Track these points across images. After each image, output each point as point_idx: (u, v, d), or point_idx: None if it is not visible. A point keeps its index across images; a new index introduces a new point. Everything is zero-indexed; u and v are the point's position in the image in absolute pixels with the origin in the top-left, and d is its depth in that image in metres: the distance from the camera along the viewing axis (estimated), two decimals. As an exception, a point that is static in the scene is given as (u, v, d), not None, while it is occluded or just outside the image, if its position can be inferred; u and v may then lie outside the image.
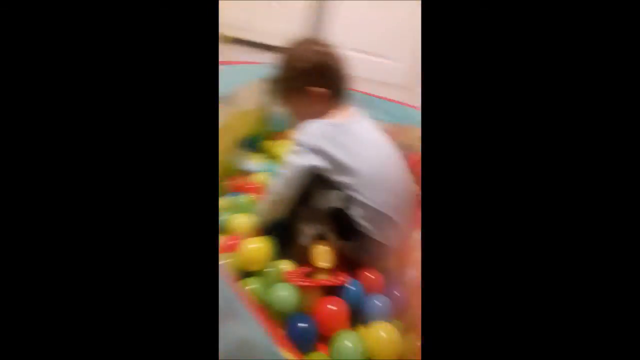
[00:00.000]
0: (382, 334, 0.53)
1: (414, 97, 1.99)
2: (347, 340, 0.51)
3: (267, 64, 0.96)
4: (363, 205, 0.59)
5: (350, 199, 0.60)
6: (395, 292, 0.61)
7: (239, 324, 0.39)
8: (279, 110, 0.85)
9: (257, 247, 0.60)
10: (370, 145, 0.64)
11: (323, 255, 0.61)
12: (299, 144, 0.61)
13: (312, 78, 0.64)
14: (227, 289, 0.41)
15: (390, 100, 1.02)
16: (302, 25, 1.91)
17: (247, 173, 0.91)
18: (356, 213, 0.60)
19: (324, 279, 0.59)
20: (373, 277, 0.62)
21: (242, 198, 0.76)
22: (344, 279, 0.59)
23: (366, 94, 1.01)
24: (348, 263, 0.63)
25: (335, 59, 0.66)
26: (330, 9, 1.89)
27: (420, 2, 0.37)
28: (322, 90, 0.64)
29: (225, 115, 0.84)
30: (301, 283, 0.57)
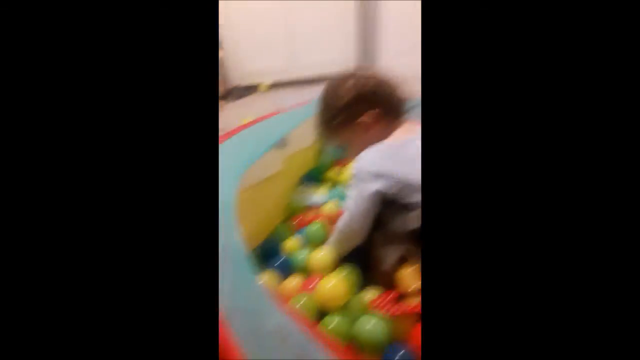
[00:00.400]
0: None
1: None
2: None
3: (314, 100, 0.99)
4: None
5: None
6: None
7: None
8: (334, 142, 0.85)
9: (336, 284, 0.57)
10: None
11: (410, 278, 0.56)
12: (357, 173, 0.61)
13: (356, 109, 0.64)
14: (301, 335, 0.39)
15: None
16: (343, 54, 1.94)
17: (315, 207, 0.91)
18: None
19: (415, 304, 0.53)
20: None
21: (313, 226, 0.75)
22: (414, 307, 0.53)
23: None
24: None
25: (378, 83, 0.66)
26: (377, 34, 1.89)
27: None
28: (369, 116, 0.64)
29: (282, 159, 0.87)
30: (393, 311, 0.52)
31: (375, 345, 0.50)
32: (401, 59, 1.87)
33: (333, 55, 1.93)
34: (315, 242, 0.73)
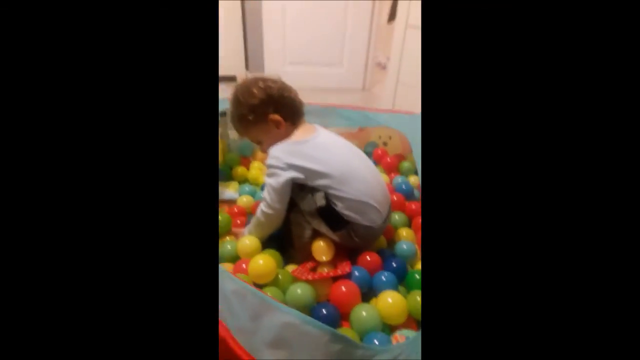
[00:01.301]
0: (390, 300, 0.62)
1: (363, 100, 2.13)
2: (363, 311, 0.61)
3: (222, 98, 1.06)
4: (342, 199, 0.70)
5: (331, 196, 0.71)
6: (393, 264, 0.71)
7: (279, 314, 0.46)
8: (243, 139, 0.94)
9: (264, 262, 0.67)
10: (334, 151, 0.75)
11: (322, 249, 0.71)
12: (272, 167, 0.72)
13: (265, 109, 0.75)
14: (255, 294, 0.49)
15: (345, 107, 1.13)
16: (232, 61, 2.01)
17: (229, 202, 0.98)
18: (339, 206, 0.70)
19: (330, 271, 0.68)
20: (370, 258, 0.72)
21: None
22: (347, 268, 0.69)
23: (324, 105, 1.12)
24: (348, 250, 0.73)
25: (282, 88, 0.77)
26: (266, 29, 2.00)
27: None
28: (276, 117, 0.75)
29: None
30: (308, 277, 0.65)
31: (305, 306, 0.62)
32: (284, 68, 2.09)
33: (221, 62, 2.01)
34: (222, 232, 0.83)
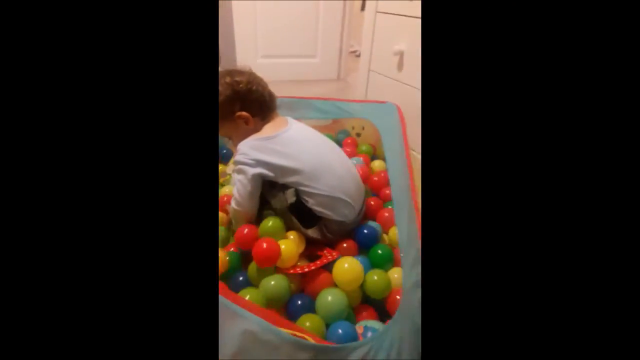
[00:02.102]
0: (346, 265, 0.64)
1: (338, 90, 2.12)
2: (329, 295, 0.61)
3: None
4: (312, 195, 0.69)
5: (301, 193, 0.70)
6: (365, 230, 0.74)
7: (240, 321, 0.45)
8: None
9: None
10: (305, 144, 0.73)
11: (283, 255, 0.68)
12: (239, 163, 0.71)
13: (232, 106, 0.73)
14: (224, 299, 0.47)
15: (317, 98, 1.11)
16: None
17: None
18: (310, 202, 0.69)
19: (319, 260, 0.67)
20: (346, 245, 0.73)
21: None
22: (335, 253, 0.69)
23: (296, 98, 1.10)
24: (321, 243, 0.73)
25: (250, 83, 0.75)
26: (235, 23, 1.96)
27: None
28: (243, 114, 0.73)
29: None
30: (304, 270, 0.65)
31: (280, 299, 0.62)
32: (257, 61, 2.05)
33: None
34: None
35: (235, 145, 0.75)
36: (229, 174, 1.06)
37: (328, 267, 0.67)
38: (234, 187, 0.72)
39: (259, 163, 0.69)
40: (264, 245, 0.63)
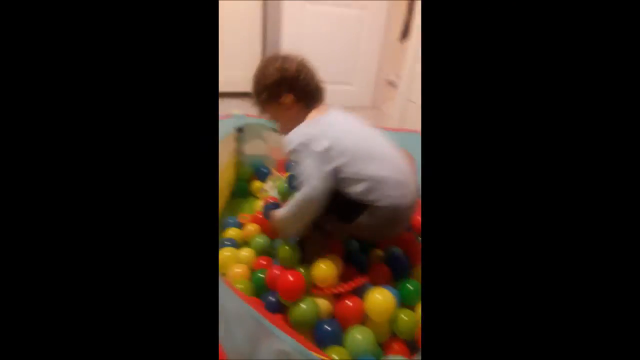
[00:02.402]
0: (379, 297, 0.64)
1: (371, 118, 2.16)
2: (358, 334, 0.61)
3: (237, 115, 1.08)
4: (359, 180, 0.66)
5: (344, 181, 0.67)
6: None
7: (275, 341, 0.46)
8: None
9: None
10: (346, 126, 0.73)
11: (323, 273, 0.68)
12: (297, 151, 0.68)
13: (278, 90, 0.74)
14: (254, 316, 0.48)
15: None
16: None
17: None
18: (356, 190, 0.67)
19: (347, 284, 0.67)
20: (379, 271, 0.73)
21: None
22: (363, 279, 0.68)
23: None
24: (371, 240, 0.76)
25: (299, 71, 0.75)
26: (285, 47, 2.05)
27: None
28: (288, 98, 0.74)
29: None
30: (333, 291, 0.66)
31: (309, 322, 0.62)
32: None
33: (237, 73, 2.08)
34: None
35: (281, 130, 0.77)
36: (266, 190, 1.10)
37: (360, 294, 0.67)
38: (299, 176, 0.68)
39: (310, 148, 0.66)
40: (290, 277, 0.64)
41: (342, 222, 0.70)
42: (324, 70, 2.43)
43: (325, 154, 0.66)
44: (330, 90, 2.43)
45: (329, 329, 0.61)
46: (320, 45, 2.05)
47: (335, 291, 0.65)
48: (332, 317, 0.66)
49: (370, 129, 0.76)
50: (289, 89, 0.73)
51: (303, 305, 0.63)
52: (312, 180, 0.65)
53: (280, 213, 0.71)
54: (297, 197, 0.67)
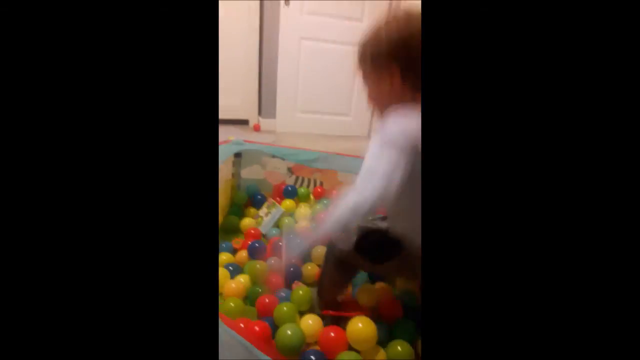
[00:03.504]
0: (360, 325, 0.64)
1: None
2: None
3: (235, 141, 1.12)
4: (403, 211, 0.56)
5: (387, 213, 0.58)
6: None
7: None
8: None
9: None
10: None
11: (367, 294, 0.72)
12: (386, 142, 0.50)
13: (381, 59, 0.56)
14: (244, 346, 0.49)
15: (349, 156, 1.19)
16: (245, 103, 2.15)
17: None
18: (396, 225, 0.58)
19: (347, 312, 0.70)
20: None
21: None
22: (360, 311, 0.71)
23: (331, 153, 1.21)
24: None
25: (413, 38, 0.53)
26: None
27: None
28: (393, 69, 0.55)
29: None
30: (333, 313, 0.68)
31: (294, 349, 0.63)
32: (295, 115, 2.20)
33: (235, 101, 2.17)
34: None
35: (370, 104, 0.62)
36: (261, 217, 1.11)
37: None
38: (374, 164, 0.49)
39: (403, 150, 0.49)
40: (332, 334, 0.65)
41: (370, 261, 0.61)
42: (321, 101, 2.48)
43: (408, 165, 0.49)
44: (328, 121, 2.49)
45: (314, 358, 0.62)
46: (316, 77, 2.14)
47: (333, 314, 0.68)
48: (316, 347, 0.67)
49: None
50: (395, 58, 0.55)
51: (289, 332, 0.64)
52: (379, 183, 0.47)
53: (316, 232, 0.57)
54: (347, 202, 0.49)
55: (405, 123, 0.50)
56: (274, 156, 1.22)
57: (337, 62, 2.10)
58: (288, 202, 1.18)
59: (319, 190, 1.27)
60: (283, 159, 1.22)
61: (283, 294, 0.78)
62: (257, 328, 0.64)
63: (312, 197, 1.26)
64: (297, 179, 1.27)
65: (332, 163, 1.19)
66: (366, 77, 0.60)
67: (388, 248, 0.57)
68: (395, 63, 0.54)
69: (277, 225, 1.10)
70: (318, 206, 1.16)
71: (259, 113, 2.21)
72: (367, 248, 0.59)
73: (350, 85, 2.18)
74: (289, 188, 1.24)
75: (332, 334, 0.65)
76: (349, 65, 2.07)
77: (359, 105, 2.24)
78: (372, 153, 0.50)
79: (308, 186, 1.28)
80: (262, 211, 1.13)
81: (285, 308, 0.70)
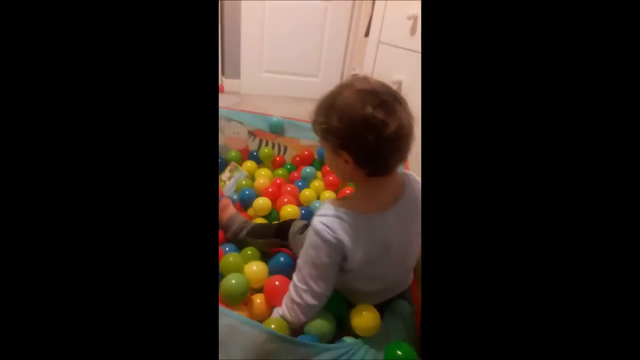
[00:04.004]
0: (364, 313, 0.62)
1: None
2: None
3: None
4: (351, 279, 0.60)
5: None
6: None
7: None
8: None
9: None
10: (387, 233, 0.57)
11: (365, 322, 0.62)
12: (317, 234, 0.55)
13: (333, 140, 0.53)
14: None
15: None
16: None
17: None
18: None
19: None
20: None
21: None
22: None
23: (300, 120, 1.18)
24: None
25: (367, 124, 0.49)
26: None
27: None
28: (344, 155, 0.53)
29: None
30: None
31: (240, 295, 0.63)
32: (261, 75, 2.11)
33: None
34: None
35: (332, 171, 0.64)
36: (224, 181, 1.09)
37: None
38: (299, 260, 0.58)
39: (339, 243, 0.54)
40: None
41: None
42: (288, 61, 2.40)
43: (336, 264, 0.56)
44: (297, 82, 2.42)
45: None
46: (282, 35, 2.05)
47: None
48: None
49: (412, 224, 0.59)
50: (345, 145, 0.52)
51: (232, 280, 0.63)
52: (314, 285, 0.55)
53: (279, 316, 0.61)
54: (294, 299, 0.57)
55: (337, 228, 0.53)
56: (231, 120, 1.17)
57: (305, 20, 2.01)
58: (249, 164, 1.16)
59: (277, 159, 1.21)
60: (241, 123, 1.18)
61: (227, 249, 0.78)
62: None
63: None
64: (260, 141, 1.25)
65: (300, 131, 1.17)
66: (322, 146, 0.57)
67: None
68: (347, 152, 0.52)
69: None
70: (280, 171, 1.14)
71: (223, 73, 2.11)
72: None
73: (319, 45, 2.11)
74: (255, 153, 1.20)
75: (277, 283, 0.65)
76: (317, 23, 2.03)
77: (328, 66, 2.19)
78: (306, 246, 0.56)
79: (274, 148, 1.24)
80: (225, 175, 1.12)
81: (231, 259, 0.70)
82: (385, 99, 0.49)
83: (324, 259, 0.54)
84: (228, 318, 0.47)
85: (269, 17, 1.98)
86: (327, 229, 0.53)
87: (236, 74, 2.11)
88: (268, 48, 2.07)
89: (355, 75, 0.57)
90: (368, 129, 0.48)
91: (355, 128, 0.49)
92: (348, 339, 0.62)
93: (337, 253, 0.54)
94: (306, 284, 0.55)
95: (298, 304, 0.56)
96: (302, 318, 0.56)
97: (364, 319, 0.59)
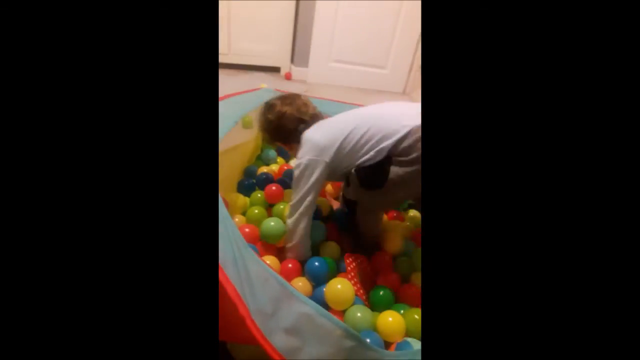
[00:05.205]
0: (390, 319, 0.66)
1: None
2: (358, 312, 0.67)
3: (265, 89, 1.11)
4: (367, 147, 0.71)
5: (355, 145, 0.73)
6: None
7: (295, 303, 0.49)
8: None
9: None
10: (340, 117, 0.80)
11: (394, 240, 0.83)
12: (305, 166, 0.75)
13: (273, 135, 0.88)
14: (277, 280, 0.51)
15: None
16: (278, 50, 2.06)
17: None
18: (367, 157, 0.71)
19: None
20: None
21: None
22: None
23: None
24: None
25: (280, 118, 0.83)
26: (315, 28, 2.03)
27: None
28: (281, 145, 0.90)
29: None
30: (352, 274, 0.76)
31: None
32: (329, 64, 2.11)
33: (268, 47, 2.08)
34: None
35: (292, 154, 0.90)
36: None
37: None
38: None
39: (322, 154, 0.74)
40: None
41: (374, 191, 0.72)
42: (357, 52, 2.36)
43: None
44: (365, 72, 2.39)
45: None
46: (354, 26, 2.01)
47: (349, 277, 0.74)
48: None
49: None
50: (278, 137, 0.86)
51: (272, 223, 0.80)
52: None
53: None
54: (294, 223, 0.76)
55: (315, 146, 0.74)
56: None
57: (377, 12, 1.97)
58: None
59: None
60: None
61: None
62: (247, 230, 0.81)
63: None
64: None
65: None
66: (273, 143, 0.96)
67: (377, 174, 0.69)
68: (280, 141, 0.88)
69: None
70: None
71: (292, 61, 2.14)
72: (364, 182, 0.72)
73: (389, 38, 2.05)
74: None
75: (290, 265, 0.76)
76: (389, 16, 1.97)
77: (397, 59, 2.12)
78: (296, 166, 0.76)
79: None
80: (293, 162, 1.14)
81: (256, 210, 0.89)
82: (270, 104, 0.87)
83: None
84: (305, 307, 0.48)
85: (342, 7, 1.96)
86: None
87: (304, 62, 2.13)
88: (339, 37, 2.05)
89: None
90: (281, 118, 0.84)
91: (273, 126, 0.86)
92: (412, 341, 0.60)
93: None
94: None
95: None
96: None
97: (390, 324, 0.64)
